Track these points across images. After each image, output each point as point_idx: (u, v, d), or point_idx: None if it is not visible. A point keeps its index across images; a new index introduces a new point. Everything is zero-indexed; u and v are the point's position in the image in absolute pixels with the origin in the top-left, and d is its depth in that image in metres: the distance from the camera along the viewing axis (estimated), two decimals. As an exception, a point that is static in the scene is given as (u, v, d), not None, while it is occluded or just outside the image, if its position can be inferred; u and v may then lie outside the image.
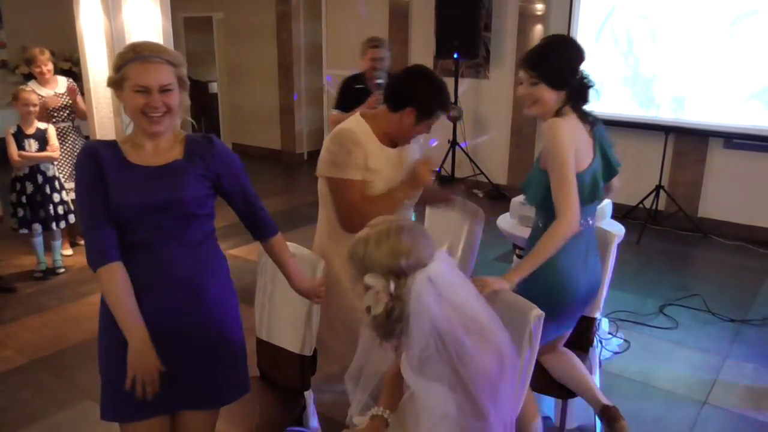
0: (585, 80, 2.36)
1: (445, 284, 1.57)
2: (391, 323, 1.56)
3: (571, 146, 2.27)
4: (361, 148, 2.50)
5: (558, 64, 2.32)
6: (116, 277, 1.85)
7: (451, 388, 1.60)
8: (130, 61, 1.86)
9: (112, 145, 1.94)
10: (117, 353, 1.91)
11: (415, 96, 2.46)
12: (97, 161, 1.87)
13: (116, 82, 1.89)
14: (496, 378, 1.62)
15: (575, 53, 2.36)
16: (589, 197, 2.40)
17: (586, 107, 2.42)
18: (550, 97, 2.33)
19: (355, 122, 2.59)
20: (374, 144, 2.55)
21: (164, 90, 1.87)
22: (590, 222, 2.50)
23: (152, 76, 1.86)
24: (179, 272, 1.93)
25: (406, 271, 1.54)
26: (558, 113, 2.34)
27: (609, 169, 2.51)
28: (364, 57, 4.42)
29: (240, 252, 5.14)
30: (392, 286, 1.54)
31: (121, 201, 1.86)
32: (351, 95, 4.35)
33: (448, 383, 1.59)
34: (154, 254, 1.90)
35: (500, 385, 1.65)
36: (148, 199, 1.87)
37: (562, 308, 2.45)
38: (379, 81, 4.25)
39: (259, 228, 2.18)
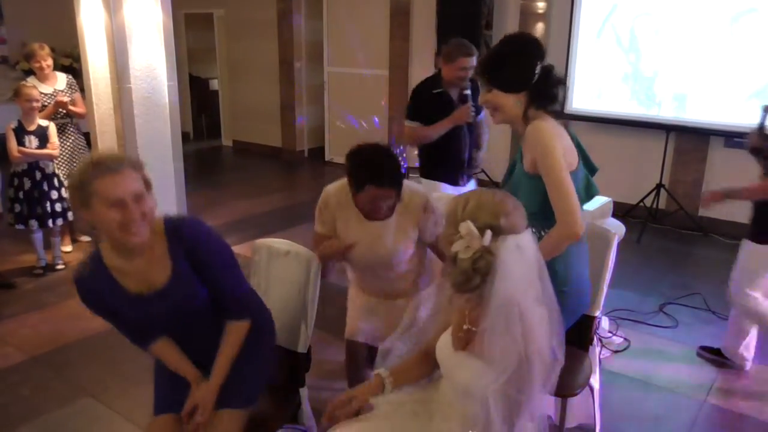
0: (547, 78, 2.22)
1: (529, 257, 1.65)
2: (473, 273, 1.63)
3: (560, 147, 2.18)
4: (329, 212, 2.60)
5: (507, 67, 2.22)
6: (161, 352, 2.15)
7: (502, 369, 1.63)
8: (95, 176, 1.79)
9: (97, 268, 1.95)
10: (165, 381, 2.21)
11: (348, 173, 2.47)
12: (102, 300, 1.99)
13: (83, 202, 1.81)
14: (548, 363, 1.67)
15: (529, 52, 2.22)
16: (586, 197, 2.36)
17: (556, 106, 2.29)
18: (507, 101, 2.25)
19: (339, 187, 2.62)
20: (352, 212, 2.57)
21: (137, 198, 1.84)
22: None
23: (122, 186, 1.80)
24: (209, 344, 2.12)
25: (503, 230, 1.63)
26: (526, 117, 2.25)
27: (589, 169, 2.43)
28: (452, 63, 3.81)
29: (235, 250, 5.13)
30: (487, 237, 1.61)
31: (135, 327, 2.08)
32: (429, 102, 3.92)
33: (503, 363, 1.62)
34: (178, 338, 2.14)
35: (549, 374, 1.69)
36: (159, 322, 2.04)
37: (575, 312, 2.48)
38: (467, 92, 3.85)
39: (223, 309, 2.13)
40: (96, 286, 1.95)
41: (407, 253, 2.62)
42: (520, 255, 1.62)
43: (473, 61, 3.79)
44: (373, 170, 2.39)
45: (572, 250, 2.28)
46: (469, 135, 3.96)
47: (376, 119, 8.34)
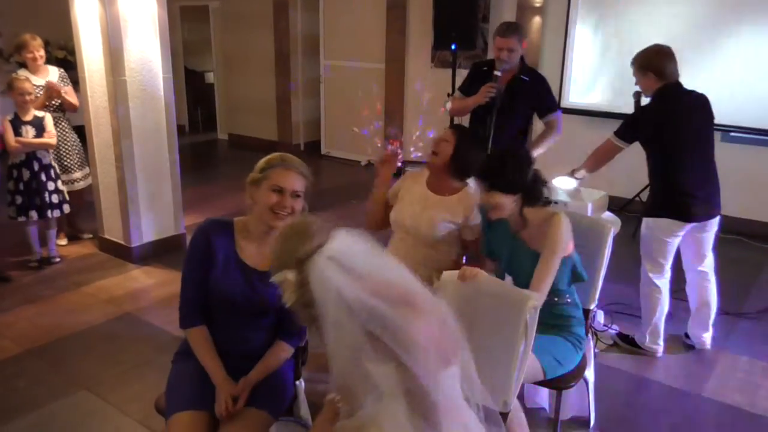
0: (536, 181, 2.57)
1: (348, 258, 1.57)
2: (308, 310, 1.58)
3: (565, 243, 2.54)
4: (400, 183, 3.21)
5: (506, 174, 2.53)
6: (199, 340, 2.27)
7: (397, 368, 1.56)
8: (275, 165, 2.22)
9: (228, 232, 2.28)
10: (187, 374, 2.27)
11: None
12: (210, 247, 2.23)
13: (256, 181, 2.22)
14: (433, 345, 1.56)
15: (521, 159, 2.59)
16: (573, 278, 2.65)
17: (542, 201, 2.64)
18: (506, 201, 2.54)
19: (419, 172, 3.17)
20: (419, 185, 3.12)
21: (295, 195, 2.21)
22: (576, 300, 2.73)
23: (290, 181, 2.20)
24: (249, 349, 2.29)
25: (304, 257, 1.57)
26: (521, 213, 2.61)
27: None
28: (493, 43, 3.94)
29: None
30: (294, 276, 1.58)
31: (222, 291, 2.23)
32: (473, 77, 4.06)
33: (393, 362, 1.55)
34: (229, 329, 2.28)
35: (446, 355, 1.59)
36: (244, 297, 2.23)
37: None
38: (496, 73, 3.82)
39: (282, 327, 2.34)
40: (217, 238, 2.25)
41: (444, 228, 2.97)
42: (335, 262, 1.55)
43: (509, 42, 3.78)
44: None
45: None
46: (495, 120, 3.85)
47: (378, 124, 8.34)
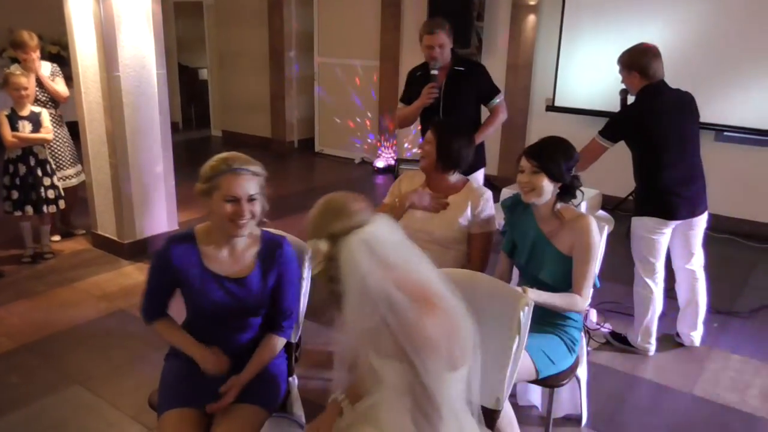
0: (577, 180, 2.65)
1: (381, 245, 1.59)
2: (332, 284, 1.60)
3: (599, 243, 2.65)
4: (399, 186, 3.22)
5: (558, 159, 2.57)
6: (167, 328, 2.29)
7: (403, 365, 1.58)
8: (222, 172, 2.08)
9: (190, 246, 2.19)
10: (179, 371, 2.26)
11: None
12: (172, 270, 2.17)
13: (206, 191, 2.11)
14: (443, 346, 1.58)
15: (571, 153, 2.63)
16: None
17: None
18: (548, 187, 2.58)
19: (416, 171, 3.17)
20: (416, 187, 3.14)
21: (251, 199, 2.11)
22: None
23: (242, 187, 2.09)
24: (238, 348, 2.26)
25: (339, 233, 1.59)
26: (554, 209, 2.64)
27: None
28: (421, 43, 3.81)
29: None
30: (327, 247, 1.60)
31: (202, 307, 2.20)
32: (411, 84, 3.98)
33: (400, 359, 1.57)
34: (215, 334, 2.24)
35: (455, 359, 1.60)
36: (221, 307, 2.18)
37: None
38: (432, 71, 3.76)
39: (271, 323, 2.32)
40: (179, 258, 2.17)
41: (452, 231, 3.00)
42: (367, 247, 1.57)
43: (438, 38, 3.73)
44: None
45: None
46: (444, 117, 3.81)
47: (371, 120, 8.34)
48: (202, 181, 2.13)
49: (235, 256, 2.22)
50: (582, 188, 2.69)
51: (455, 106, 3.83)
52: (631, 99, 3.64)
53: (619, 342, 3.77)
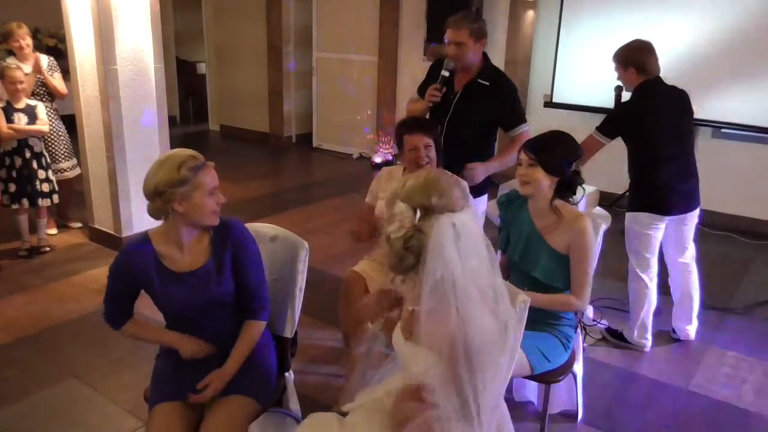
0: (577, 176, 2.61)
1: (467, 236, 1.64)
2: (405, 253, 1.64)
3: (596, 243, 2.64)
4: (377, 183, 3.18)
5: (555, 152, 2.55)
6: (136, 330, 2.29)
7: (439, 355, 1.61)
8: (197, 168, 2.09)
9: (147, 251, 2.16)
10: (169, 367, 2.28)
11: None
12: (132, 278, 2.16)
13: (185, 195, 2.06)
14: (492, 348, 1.63)
15: (573, 148, 2.60)
16: None
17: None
18: (544, 180, 2.55)
19: (395, 166, 3.18)
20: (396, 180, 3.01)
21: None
22: None
23: (215, 178, 2.15)
24: (220, 340, 2.25)
25: (435, 209, 1.63)
26: (552, 205, 2.59)
27: None
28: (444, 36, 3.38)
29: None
30: (417, 216, 1.63)
31: (169, 307, 2.20)
32: (430, 77, 3.54)
33: (439, 348, 1.60)
34: (192, 330, 2.24)
35: (498, 359, 1.66)
36: (187, 302, 2.16)
37: None
38: (444, 72, 3.34)
39: (244, 307, 2.29)
40: (138, 259, 2.15)
41: None
42: (456, 234, 1.61)
43: (457, 34, 3.28)
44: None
45: None
46: (446, 129, 3.39)
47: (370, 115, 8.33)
48: (176, 185, 2.04)
49: (191, 249, 2.19)
50: (583, 185, 2.67)
51: (461, 120, 3.38)
52: (626, 95, 3.64)
53: (615, 338, 3.78)
